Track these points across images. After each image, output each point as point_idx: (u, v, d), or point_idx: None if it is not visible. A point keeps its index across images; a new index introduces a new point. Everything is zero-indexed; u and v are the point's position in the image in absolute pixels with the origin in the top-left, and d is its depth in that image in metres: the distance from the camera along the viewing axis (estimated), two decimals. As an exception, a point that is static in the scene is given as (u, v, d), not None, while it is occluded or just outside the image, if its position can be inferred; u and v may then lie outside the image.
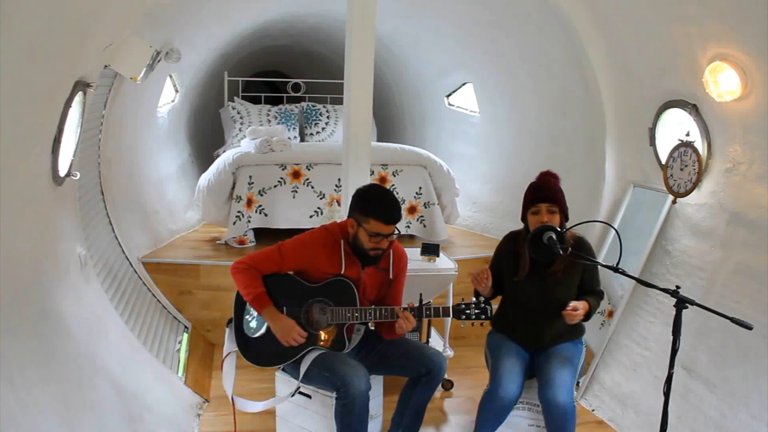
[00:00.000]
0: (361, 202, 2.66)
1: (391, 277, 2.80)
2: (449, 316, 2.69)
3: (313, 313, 2.70)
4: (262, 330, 2.72)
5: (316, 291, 2.71)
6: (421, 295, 2.74)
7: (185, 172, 5.79)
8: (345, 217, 2.78)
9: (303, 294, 2.70)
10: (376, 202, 2.63)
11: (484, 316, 2.67)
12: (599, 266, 2.86)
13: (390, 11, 4.97)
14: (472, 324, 2.70)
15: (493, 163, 5.59)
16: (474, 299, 2.70)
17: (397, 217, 2.62)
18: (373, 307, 2.69)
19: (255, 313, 2.74)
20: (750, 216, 2.90)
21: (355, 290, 2.70)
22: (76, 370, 2.42)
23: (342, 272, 2.71)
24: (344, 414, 2.56)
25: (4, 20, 1.58)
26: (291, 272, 2.77)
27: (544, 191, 2.79)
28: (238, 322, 2.77)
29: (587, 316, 2.77)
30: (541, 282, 2.81)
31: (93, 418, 2.36)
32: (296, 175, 4.70)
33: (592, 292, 2.85)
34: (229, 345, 2.80)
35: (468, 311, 2.67)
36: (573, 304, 2.69)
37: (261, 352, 2.73)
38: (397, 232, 2.66)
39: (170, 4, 3.70)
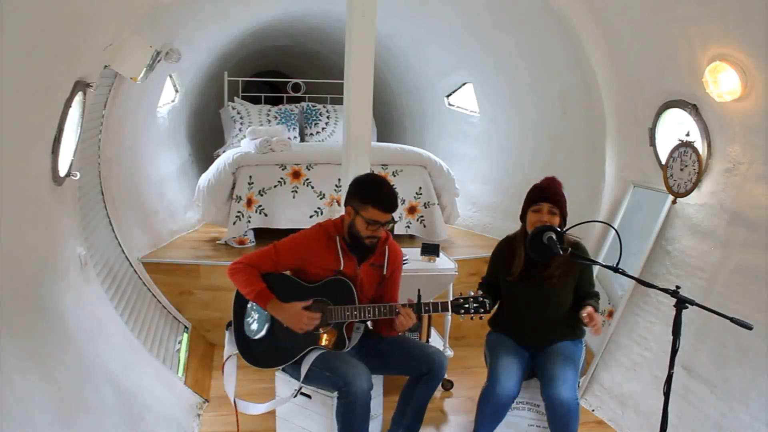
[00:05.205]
0: (359, 189, 2.66)
1: (385, 273, 2.80)
2: (448, 311, 2.69)
3: None
4: (263, 332, 2.72)
5: (314, 291, 2.70)
6: (419, 290, 2.73)
7: (185, 172, 5.79)
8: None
9: (301, 295, 2.69)
10: (375, 191, 2.63)
11: (482, 310, 2.67)
12: (595, 267, 2.86)
13: (390, 11, 4.97)
14: (471, 318, 2.70)
15: (493, 163, 5.59)
16: (472, 293, 2.70)
17: (394, 205, 2.64)
18: (372, 304, 2.69)
19: (256, 315, 2.74)
20: (750, 216, 2.90)
21: (354, 288, 2.69)
22: (76, 370, 2.42)
23: (341, 268, 2.70)
24: (346, 413, 2.55)
25: (4, 20, 1.58)
26: (288, 273, 2.77)
27: (549, 192, 2.80)
28: (237, 324, 2.77)
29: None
30: (537, 287, 2.80)
31: (93, 418, 2.35)
32: (296, 175, 4.70)
33: (588, 295, 2.83)
34: (230, 348, 2.79)
35: (467, 305, 2.67)
36: (589, 310, 2.64)
37: (261, 354, 2.73)
38: (393, 221, 2.65)
39: (170, 4, 3.70)
